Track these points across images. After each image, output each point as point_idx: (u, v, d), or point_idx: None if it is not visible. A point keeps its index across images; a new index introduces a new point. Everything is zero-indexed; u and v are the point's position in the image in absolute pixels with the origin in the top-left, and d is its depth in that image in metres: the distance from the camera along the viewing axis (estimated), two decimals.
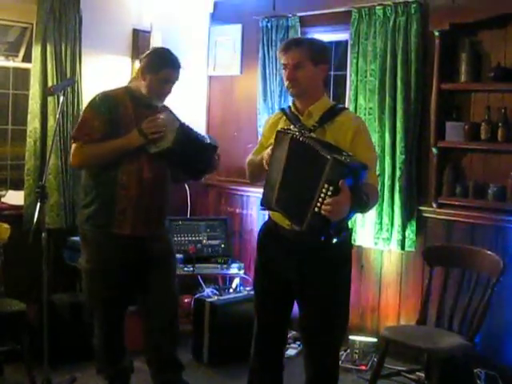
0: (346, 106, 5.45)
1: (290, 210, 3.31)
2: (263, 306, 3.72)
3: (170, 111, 4.07)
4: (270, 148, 3.40)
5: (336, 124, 3.44)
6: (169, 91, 4.01)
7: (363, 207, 3.30)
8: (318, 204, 3.09)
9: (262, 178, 3.68)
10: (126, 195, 3.92)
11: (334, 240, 3.23)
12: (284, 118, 3.60)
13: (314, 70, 3.47)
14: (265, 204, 3.45)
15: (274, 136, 3.48)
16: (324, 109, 3.49)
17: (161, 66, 3.93)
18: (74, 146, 3.98)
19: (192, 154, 3.92)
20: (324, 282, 3.47)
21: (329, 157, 3.09)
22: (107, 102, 3.96)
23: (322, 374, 3.59)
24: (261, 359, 3.74)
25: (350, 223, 3.56)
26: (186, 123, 3.93)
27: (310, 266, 3.45)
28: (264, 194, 3.44)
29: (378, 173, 3.58)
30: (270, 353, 3.73)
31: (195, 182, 5.21)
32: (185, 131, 3.85)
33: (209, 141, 3.98)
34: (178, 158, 3.91)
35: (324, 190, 3.08)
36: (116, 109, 3.94)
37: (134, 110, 3.98)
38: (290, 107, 3.62)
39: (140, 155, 3.92)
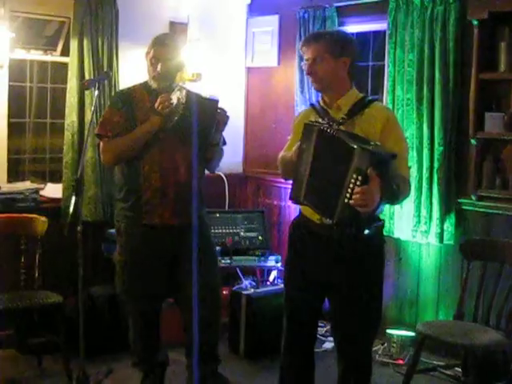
0: (384, 97, 5.40)
1: (319, 204, 3.29)
2: (292, 302, 3.69)
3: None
4: (299, 141, 3.38)
5: (365, 116, 3.40)
6: (159, 71, 4.02)
7: (393, 197, 3.26)
8: (348, 195, 3.08)
9: None
10: (150, 186, 3.98)
11: (366, 231, 3.20)
12: (314, 112, 3.57)
13: (334, 63, 3.43)
14: (293, 198, 3.44)
15: None
16: (353, 101, 3.46)
17: (150, 47, 4.06)
18: (101, 144, 4.08)
19: (204, 115, 3.93)
20: (355, 278, 3.43)
21: (355, 146, 3.07)
22: (122, 97, 4.11)
23: (354, 369, 3.56)
24: (290, 355, 3.71)
25: (383, 215, 3.50)
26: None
27: (340, 261, 3.42)
28: (292, 187, 3.43)
29: (409, 164, 3.50)
30: (299, 349, 3.71)
31: (234, 174, 5.20)
32: (191, 97, 3.92)
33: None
34: (193, 125, 3.88)
35: (353, 180, 3.06)
36: (131, 104, 4.05)
37: (151, 101, 4.02)
38: (318, 101, 3.60)
39: (160, 145, 3.98)
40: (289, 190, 5.84)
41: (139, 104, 4.04)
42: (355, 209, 3.07)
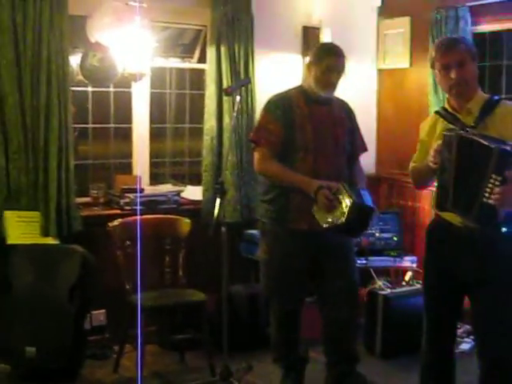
0: None
1: (463, 208, 3.32)
2: (433, 303, 3.73)
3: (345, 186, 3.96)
4: (437, 150, 3.40)
5: (496, 117, 3.41)
6: (333, 81, 4.10)
7: None
8: (486, 194, 3.12)
9: (429, 183, 3.75)
10: (301, 191, 4.01)
11: (504, 229, 3.24)
12: (441, 119, 3.60)
13: (474, 66, 3.49)
14: (440, 206, 3.48)
15: (434, 140, 3.52)
16: (481, 103, 3.47)
17: (323, 56, 4.09)
18: (256, 152, 4.20)
19: (360, 225, 3.98)
20: (498, 279, 3.44)
21: (493, 146, 3.10)
22: (281, 104, 4.14)
23: (496, 369, 3.53)
24: (431, 354, 3.75)
25: None
26: (360, 194, 3.96)
27: (483, 263, 3.43)
28: (438, 196, 3.47)
29: None
30: (440, 348, 3.74)
31: (367, 175, 5.23)
32: (357, 207, 3.84)
33: (371, 204, 3.99)
34: (346, 230, 3.95)
35: (492, 181, 3.10)
36: (290, 110, 4.10)
37: (308, 108, 4.10)
38: (443, 108, 3.63)
39: (315, 153, 4.07)
40: (423, 192, 5.88)
41: (297, 110, 4.11)
42: (493, 208, 3.12)
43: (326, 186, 3.89)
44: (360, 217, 3.88)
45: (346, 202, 3.81)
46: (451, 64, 3.44)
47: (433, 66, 3.55)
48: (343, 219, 3.80)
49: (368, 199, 3.99)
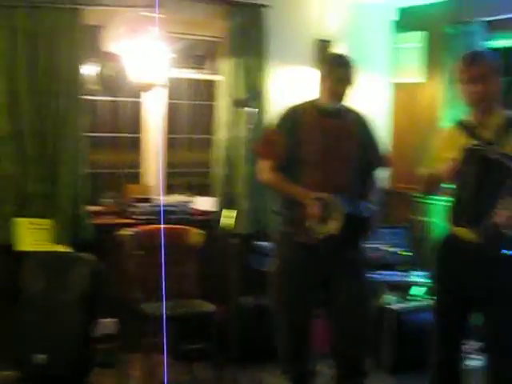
0: None
1: (474, 224, 3.32)
2: (442, 319, 3.74)
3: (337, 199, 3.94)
4: (455, 163, 3.39)
5: None
6: (342, 91, 4.07)
7: None
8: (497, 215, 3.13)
9: (438, 191, 3.76)
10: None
11: (504, 251, 3.30)
12: (461, 130, 3.59)
13: (497, 80, 3.49)
14: (455, 222, 3.48)
15: (451, 150, 3.50)
16: (500, 120, 3.47)
17: (332, 67, 4.08)
18: (259, 163, 4.19)
19: (356, 235, 4.01)
20: (505, 295, 3.46)
21: None
22: (290, 116, 4.14)
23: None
24: (439, 370, 3.75)
25: None
26: (358, 206, 3.98)
27: (491, 280, 3.44)
28: (454, 211, 3.47)
29: None
30: (447, 364, 3.74)
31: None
32: (349, 218, 3.86)
33: (365, 215, 4.01)
34: (341, 240, 3.93)
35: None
36: (300, 122, 4.09)
37: (319, 120, 4.09)
38: (464, 121, 3.62)
39: (322, 168, 4.05)
40: (434, 206, 5.88)
41: (306, 123, 4.09)
42: (499, 229, 3.15)
43: (320, 198, 3.89)
44: (353, 227, 3.90)
45: (338, 214, 3.83)
46: (474, 78, 3.44)
47: (457, 79, 3.56)
48: (334, 230, 3.83)
49: (366, 211, 4.00)
